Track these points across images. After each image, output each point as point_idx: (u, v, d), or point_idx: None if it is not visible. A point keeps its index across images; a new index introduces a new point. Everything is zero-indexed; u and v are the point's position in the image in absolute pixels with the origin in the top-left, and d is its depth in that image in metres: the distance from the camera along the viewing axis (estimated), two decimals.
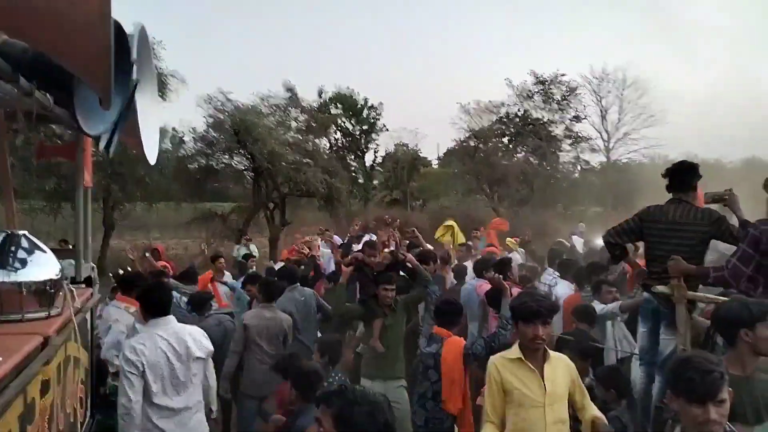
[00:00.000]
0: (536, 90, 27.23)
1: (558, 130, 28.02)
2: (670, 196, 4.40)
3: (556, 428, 3.07)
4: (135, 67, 2.27)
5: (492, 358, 3.30)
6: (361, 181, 32.84)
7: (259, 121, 17.67)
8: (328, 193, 18.58)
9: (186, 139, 19.67)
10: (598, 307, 5.42)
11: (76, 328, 2.19)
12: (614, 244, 4.58)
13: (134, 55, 2.24)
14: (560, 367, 3.18)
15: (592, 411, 3.21)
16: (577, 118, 28.19)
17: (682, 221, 4.18)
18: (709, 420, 2.08)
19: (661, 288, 3.96)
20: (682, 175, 4.28)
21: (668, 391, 2.29)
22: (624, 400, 4.04)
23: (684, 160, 4.38)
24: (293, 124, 22.50)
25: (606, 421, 3.14)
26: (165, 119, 18.99)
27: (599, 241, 11.48)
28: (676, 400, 2.20)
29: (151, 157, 2.95)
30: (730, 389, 2.14)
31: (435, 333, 4.60)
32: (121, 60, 1.96)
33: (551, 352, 3.20)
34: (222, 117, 17.41)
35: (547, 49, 48.82)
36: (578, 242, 11.83)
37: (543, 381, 3.08)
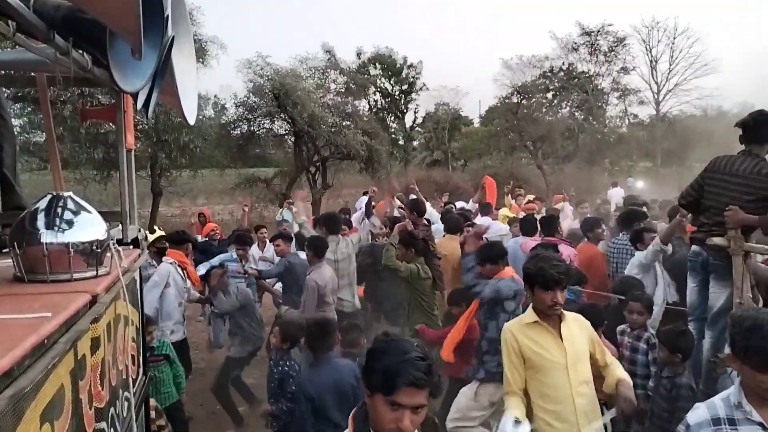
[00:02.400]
0: (582, 42, 26.32)
1: (605, 83, 27.25)
2: (721, 145, 4.20)
3: (581, 390, 2.97)
4: (169, 23, 2.23)
5: (506, 325, 3.21)
6: (401, 142, 32.66)
7: (298, 84, 17.60)
8: (369, 155, 18.52)
9: (227, 105, 19.84)
10: (643, 252, 5.30)
11: (124, 287, 2.21)
12: (685, 205, 4.44)
13: (167, 10, 2.19)
14: (576, 327, 3.08)
15: (618, 372, 3.08)
16: (624, 70, 27.29)
17: (744, 174, 3.94)
18: None
19: (717, 240, 3.80)
20: (756, 128, 4.00)
21: (730, 353, 2.18)
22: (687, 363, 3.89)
23: (761, 111, 4.06)
24: (332, 86, 22.48)
25: (631, 385, 3.00)
26: (206, 86, 19.18)
27: (644, 196, 11.21)
28: (740, 364, 2.09)
29: (190, 118, 2.93)
30: None
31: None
32: (154, 13, 1.91)
33: (566, 313, 3.08)
34: (262, 81, 17.41)
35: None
36: (617, 193, 11.58)
37: (562, 342, 2.99)
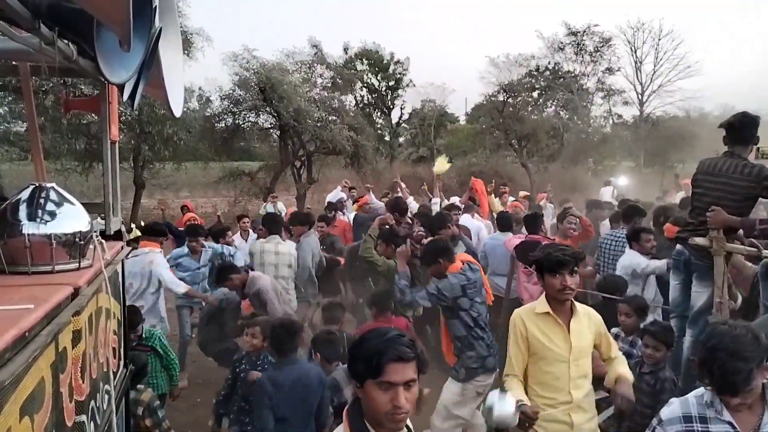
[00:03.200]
0: (568, 41, 26.44)
1: (590, 83, 27.38)
2: (703, 146, 4.28)
3: (579, 383, 3.05)
4: (157, 14, 2.21)
5: (517, 310, 3.26)
6: (387, 138, 32.59)
7: (285, 78, 17.50)
8: (354, 150, 18.48)
9: (212, 98, 19.68)
10: (641, 260, 5.18)
11: (107, 279, 2.19)
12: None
13: (156, 1, 2.17)
14: (586, 321, 3.13)
15: (620, 368, 3.15)
16: (609, 70, 27.47)
17: (727, 174, 4.00)
18: (733, 405, 2.08)
19: (699, 240, 3.85)
20: (740, 129, 4.07)
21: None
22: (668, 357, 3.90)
23: (744, 112, 4.15)
24: (318, 80, 22.34)
25: (630, 383, 3.08)
26: (191, 78, 19.02)
27: (627, 195, 11.32)
28: (701, 377, 2.17)
29: (176, 110, 2.90)
30: None
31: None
32: (142, 3, 1.89)
33: (578, 305, 3.14)
34: (247, 75, 17.29)
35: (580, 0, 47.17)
36: (608, 191, 11.67)
37: (569, 335, 3.04)
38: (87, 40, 1.93)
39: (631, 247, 5.37)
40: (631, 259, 5.27)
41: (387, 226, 5.89)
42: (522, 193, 11.52)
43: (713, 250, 3.71)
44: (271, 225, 6.50)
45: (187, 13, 15.78)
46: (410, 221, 6.37)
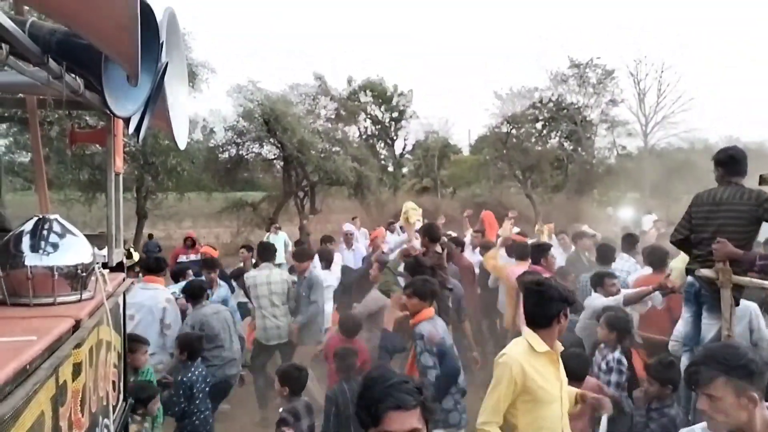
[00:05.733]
0: (571, 74, 26.64)
1: (593, 115, 27.41)
2: (708, 178, 4.27)
3: (566, 420, 2.94)
4: (164, 49, 2.24)
5: (514, 355, 2.88)
6: (390, 169, 32.71)
7: (289, 110, 17.71)
8: (358, 181, 18.59)
9: (216, 129, 19.87)
10: (600, 300, 4.97)
11: (108, 312, 2.18)
12: (675, 242, 4.46)
13: (163, 37, 2.21)
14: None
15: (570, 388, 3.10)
16: (613, 102, 27.51)
17: (728, 201, 4.01)
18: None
19: (705, 271, 3.81)
20: (734, 162, 4.10)
21: None
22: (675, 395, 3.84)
23: (734, 147, 4.20)
24: (322, 112, 22.60)
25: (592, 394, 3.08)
26: (195, 110, 19.24)
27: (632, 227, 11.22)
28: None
29: (181, 142, 2.93)
30: None
31: None
32: (150, 39, 1.93)
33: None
34: (252, 106, 17.49)
35: (584, 36, 47.80)
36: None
37: (559, 371, 2.92)
38: (95, 75, 1.96)
39: (595, 291, 5.17)
40: (594, 303, 5.03)
41: (411, 258, 5.38)
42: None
43: (720, 282, 3.66)
44: (262, 253, 6.22)
45: (192, 45, 16.04)
46: (440, 251, 5.78)
